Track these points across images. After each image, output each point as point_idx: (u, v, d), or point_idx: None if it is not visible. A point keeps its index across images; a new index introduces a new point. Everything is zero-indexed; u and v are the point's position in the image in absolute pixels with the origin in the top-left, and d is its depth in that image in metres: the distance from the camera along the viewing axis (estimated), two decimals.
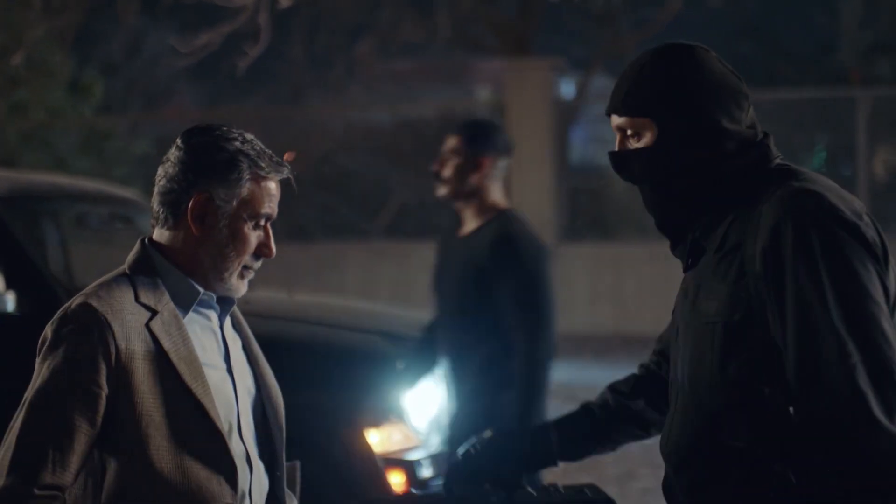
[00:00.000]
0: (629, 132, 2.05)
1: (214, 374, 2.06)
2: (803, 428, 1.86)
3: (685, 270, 2.08)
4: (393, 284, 11.34)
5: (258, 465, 2.10)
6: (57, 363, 1.96)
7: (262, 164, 2.06)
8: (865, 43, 13.96)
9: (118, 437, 1.96)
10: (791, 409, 1.90)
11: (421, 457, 4.00)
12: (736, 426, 1.93)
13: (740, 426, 1.93)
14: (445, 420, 4.21)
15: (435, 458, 4.05)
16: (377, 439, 3.89)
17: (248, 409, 2.12)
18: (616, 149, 2.09)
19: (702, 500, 2.00)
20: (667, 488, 2.10)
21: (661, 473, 6.58)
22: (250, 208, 2.05)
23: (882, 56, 13.07)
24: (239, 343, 2.18)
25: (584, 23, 15.29)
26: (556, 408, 8.91)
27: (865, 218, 1.91)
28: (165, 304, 2.03)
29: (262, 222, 2.08)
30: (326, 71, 15.34)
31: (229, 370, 2.10)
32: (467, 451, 2.30)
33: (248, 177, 2.04)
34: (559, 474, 6.25)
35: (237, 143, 2.05)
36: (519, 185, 11.52)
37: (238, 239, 2.05)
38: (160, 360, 1.99)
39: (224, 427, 2.02)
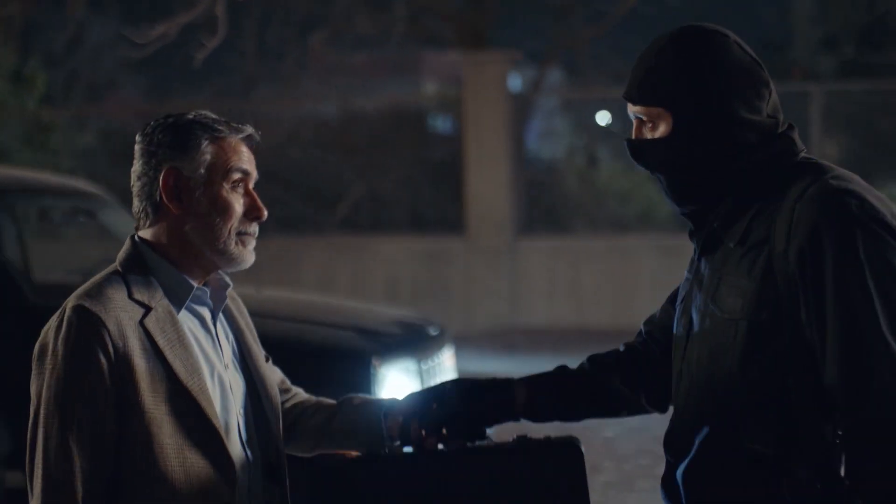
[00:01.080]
0: (645, 120, 2.00)
1: (209, 371, 2.03)
2: (854, 434, 1.82)
3: (698, 257, 2.04)
4: (350, 279, 11.28)
5: (256, 462, 2.08)
6: (60, 373, 1.93)
7: (219, 127, 2.05)
8: (816, 39, 14.20)
9: (124, 437, 1.94)
10: (816, 412, 1.86)
11: None
12: (758, 429, 1.89)
13: (763, 429, 1.89)
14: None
15: None
16: None
17: (242, 407, 2.09)
18: (633, 136, 2.04)
19: (707, 498, 1.97)
20: (667, 481, 2.05)
21: (624, 467, 6.59)
22: (220, 169, 2.04)
23: (832, 52, 13.27)
24: (232, 339, 2.15)
25: (539, 16, 15.32)
26: None
27: None
28: (159, 301, 2.00)
29: (239, 181, 2.06)
30: (278, 63, 15.22)
31: (224, 367, 2.08)
32: (431, 399, 2.17)
33: (206, 141, 2.03)
34: None
35: (188, 116, 2.06)
36: (476, 180, 11.52)
37: (219, 204, 2.03)
38: (156, 357, 1.96)
39: (221, 425, 2.00)
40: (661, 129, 1.98)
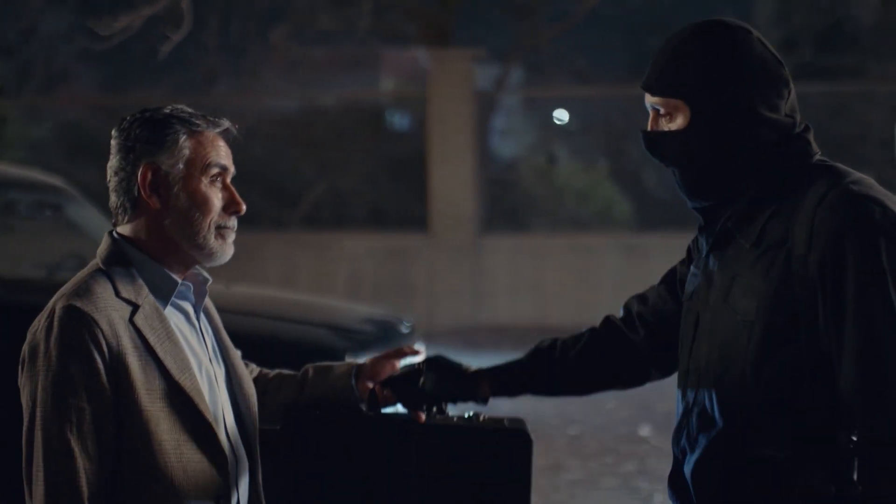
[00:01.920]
0: (662, 111, 1.99)
1: (198, 366, 2.03)
2: (869, 442, 1.82)
3: (706, 253, 2.02)
4: (312, 276, 11.23)
5: (242, 456, 2.08)
6: (55, 374, 1.90)
7: (196, 121, 2.04)
8: (776, 41, 14.36)
9: (122, 436, 1.92)
10: (833, 421, 1.86)
11: None
12: (769, 433, 1.89)
13: (774, 433, 1.88)
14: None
15: None
16: None
17: (228, 402, 2.10)
18: (649, 128, 2.02)
19: (716, 497, 1.96)
20: (674, 478, 2.05)
21: (590, 465, 6.60)
22: (198, 163, 2.03)
23: (791, 54, 13.41)
24: (211, 332, 2.15)
25: (502, 15, 15.32)
26: None
27: None
28: (146, 298, 1.99)
29: (217, 175, 2.05)
30: (239, 58, 15.10)
31: (210, 361, 2.08)
32: (405, 371, 2.23)
33: (184, 135, 2.03)
34: None
35: (165, 111, 2.05)
36: (440, 178, 11.51)
37: (198, 199, 2.02)
38: (148, 355, 1.96)
39: (213, 419, 2.00)
40: (679, 122, 1.97)
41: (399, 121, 14.20)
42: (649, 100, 2.01)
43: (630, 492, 5.90)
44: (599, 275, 11.25)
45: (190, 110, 2.06)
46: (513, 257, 11.44)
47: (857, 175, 1.93)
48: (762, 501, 1.90)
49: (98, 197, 5.49)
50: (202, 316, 2.12)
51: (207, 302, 2.15)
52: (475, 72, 11.73)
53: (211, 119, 2.06)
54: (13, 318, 4.11)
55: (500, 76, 13.52)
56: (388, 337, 4.46)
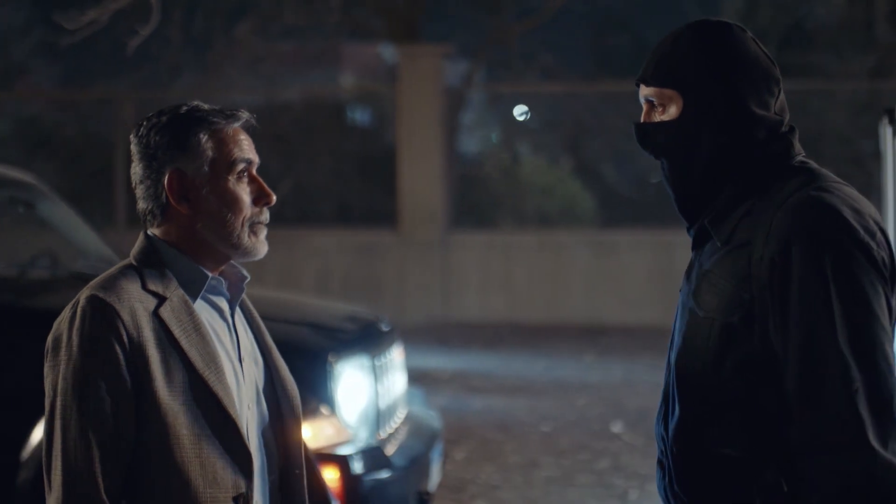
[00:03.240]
0: (656, 103, 2.01)
1: (226, 362, 2.00)
2: (800, 445, 1.85)
3: (692, 251, 2.07)
4: (279, 272, 11.16)
5: (258, 462, 2.04)
6: (76, 364, 1.90)
7: (214, 119, 2.02)
8: None
9: (141, 427, 1.91)
10: (785, 420, 1.88)
11: (352, 451, 3.93)
12: (726, 429, 1.91)
13: (731, 430, 1.91)
14: (373, 414, 4.15)
15: (366, 454, 3.99)
16: (309, 434, 3.79)
17: (254, 401, 2.06)
18: (641, 120, 2.04)
19: (689, 489, 1.98)
20: (661, 467, 2.07)
21: (563, 462, 6.60)
22: (223, 162, 2.01)
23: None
24: (250, 333, 2.12)
25: (469, 11, 15.31)
26: (452, 396, 8.83)
27: (878, 236, 1.88)
28: (174, 291, 1.98)
29: (243, 171, 2.02)
30: (203, 52, 14.96)
31: (240, 360, 2.05)
32: None
33: (205, 136, 2.00)
34: (460, 463, 6.26)
35: (182, 112, 2.02)
36: (409, 174, 11.48)
37: (228, 199, 2.00)
38: (171, 347, 1.94)
39: (238, 415, 1.97)
40: (671, 112, 1.99)
41: (366, 117, 14.15)
42: (643, 92, 2.03)
43: (605, 488, 5.91)
44: (568, 271, 11.28)
45: (206, 107, 2.03)
46: (481, 253, 11.44)
47: (827, 182, 1.94)
48: (721, 496, 1.93)
49: (58, 193, 5.41)
50: (239, 314, 2.10)
51: (248, 303, 2.13)
52: (444, 68, 11.71)
53: (229, 112, 2.04)
54: None
55: (468, 72, 13.51)
56: (369, 336, 4.43)
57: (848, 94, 12.35)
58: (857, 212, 1.89)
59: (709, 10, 13.76)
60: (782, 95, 2.02)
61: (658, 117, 2.01)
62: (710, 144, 1.96)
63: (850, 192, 1.94)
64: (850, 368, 1.80)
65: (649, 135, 2.02)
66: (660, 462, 2.06)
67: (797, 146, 2.01)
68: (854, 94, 12.29)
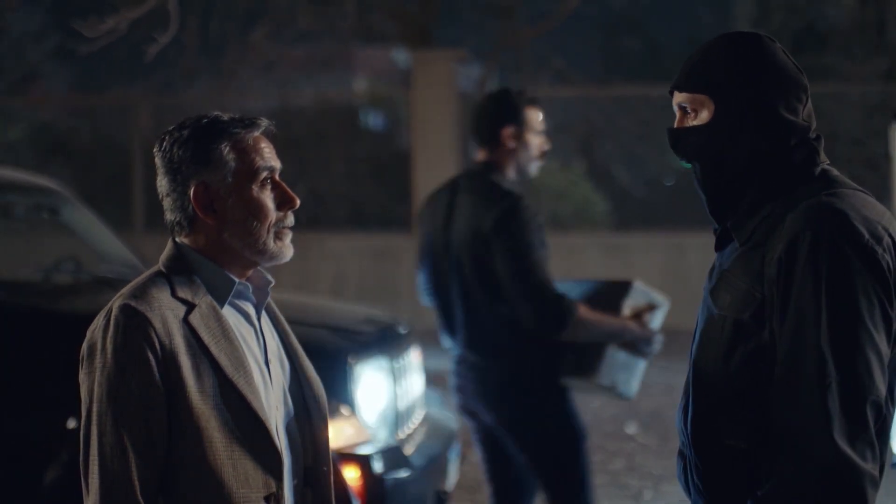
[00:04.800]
0: (688, 108, 2.08)
1: (254, 366, 2.06)
2: (772, 431, 1.93)
3: (715, 251, 2.14)
4: (295, 276, 11.23)
5: (287, 462, 2.10)
6: (111, 371, 1.95)
7: (234, 130, 2.06)
8: None
9: (174, 431, 1.97)
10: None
11: (372, 451, 3.99)
12: (736, 421, 1.99)
13: (739, 424, 1.99)
14: (392, 414, 4.22)
15: (385, 454, 4.05)
16: (330, 434, 3.85)
17: (281, 403, 2.12)
18: (675, 126, 2.11)
19: (704, 479, 2.07)
20: (681, 457, 2.15)
21: None
22: (246, 172, 2.05)
23: None
24: (276, 337, 2.18)
25: (483, 15, 15.36)
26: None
27: (886, 240, 1.95)
28: (202, 298, 2.04)
29: (266, 179, 2.07)
30: (218, 57, 15.05)
31: (266, 363, 2.11)
32: None
33: (227, 148, 2.05)
34: (476, 464, 6.30)
35: (203, 123, 2.06)
36: (423, 178, 11.53)
37: (253, 207, 2.05)
38: (202, 353, 1.99)
39: (267, 417, 2.02)
40: (703, 117, 2.07)
41: (379, 121, 14.20)
42: (677, 99, 2.10)
43: (619, 488, 5.96)
44: (581, 273, 11.31)
45: (226, 117, 2.08)
46: None
47: (843, 189, 2.01)
48: (732, 486, 2.01)
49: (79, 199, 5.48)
50: (266, 319, 2.16)
51: (274, 306, 2.19)
52: (457, 72, 11.77)
53: (248, 121, 2.08)
54: (10, 321, 4.15)
55: (481, 77, 13.56)
56: (387, 338, 4.49)
57: (860, 97, 12.36)
58: (866, 217, 1.95)
59: (721, 15, 13.79)
60: (809, 103, 2.08)
61: (690, 122, 2.08)
62: (741, 148, 2.03)
63: (864, 197, 2.01)
64: (827, 364, 1.88)
65: (682, 139, 2.09)
66: (680, 452, 2.14)
67: (822, 154, 2.08)
68: (866, 97, 12.30)
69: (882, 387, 1.91)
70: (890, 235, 1.97)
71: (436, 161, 11.49)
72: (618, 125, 12.81)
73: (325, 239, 11.79)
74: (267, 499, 2.01)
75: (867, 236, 1.93)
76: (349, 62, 19.05)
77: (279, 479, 2.03)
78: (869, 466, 1.88)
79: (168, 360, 1.96)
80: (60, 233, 5.30)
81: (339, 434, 3.91)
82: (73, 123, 14.10)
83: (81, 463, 1.98)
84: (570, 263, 11.40)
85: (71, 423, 3.76)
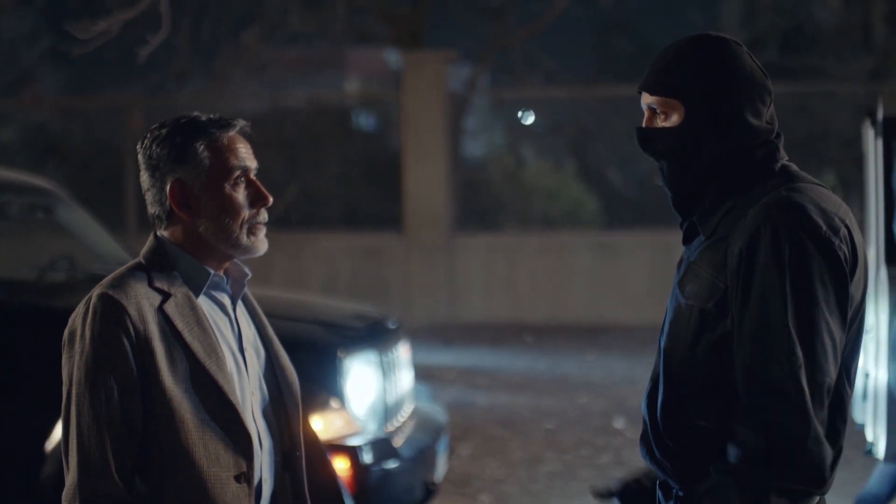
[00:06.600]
0: (658, 111, 2.16)
1: (227, 353, 2.16)
2: (742, 411, 2.02)
3: (683, 244, 2.24)
4: (287, 275, 11.31)
5: (266, 444, 2.20)
6: (88, 356, 2.06)
7: (211, 130, 2.15)
8: (744, 41, 14.50)
9: (149, 414, 2.07)
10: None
11: (361, 443, 4.08)
12: (703, 405, 2.10)
13: (706, 406, 2.10)
14: (380, 406, 4.31)
15: (374, 445, 4.14)
16: (320, 426, 3.95)
17: (257, 391, 2.21)
18: (643, 125, 2.20)
19: (669, 455, 2.16)
20: (644, 442, 2.24)
21: (566, 458, 6.68)
22: (220, 171, 2.15)
23: (757, 55, 13.62)
24: (252, 327, 2.27)
25: (473, 16, 15.43)
26: (458, 394, 8.93)
27: (843, 231, 2.05)
28: (178, 288, 2.14)
29: (240, 177, 2.17)
30: (210, 59, 15.10)
31: (241, 350, 2.20)
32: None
33: (202, 147, 2.14)
34: (466, 458, 6.40)
35: (180, 123, 2.16)
36: (414, 178, 11.62)
37: (226, 204, 2.15)
38: (175, 340, 2.09)
39: (238, 401, 2.12)
40: (673, 119, 2.15)
41: (371, 122, 14.27)
42: (646, 100, 2.18)
43: (607, 482, 6.04)
44: (571, 272, 11.42)
45: (203, 117, 2.17)
46: (486, 256, 11.58)
47: (803, 184, 2.12)
48: (697, 461, 2.11)
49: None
50: (242, 310, 2.25)
51: (251, 297, 2.29)
52: (448, 73, 11.85)
53: (225, 121, 2.18)
54: (6, 318, 4.22)
55: (471, 78, 13.64)
56: (376, 333, 4.58)
57: (847, 97, 12.46)
58: (824, 210, 2.06)
59: (709, 15, 13.87)
60: (772, 105, 2.18)
61: (660, 123, 2.17)
62: (708, 151, 2.13)
63: (822, 191, 2.12)
64: (796, 347, 1.99)
65: (651, 140, 2.18)
66: (642, 438, 2.24)
67: (781, 151, 2.18)
68: (853, 97, 12.40)
69: (834, 371, 2.03)
70: (846, 227, 2.08)
71: (426, 161, 11.57)
72: (608, 125, 12.90)
73: (317, 238, 11.87)
74: (237, 478, 2.10)
75: (825, 228, 2.03)
76: (341, 64, 19.14)
77: (249, 458, 2.12)
78: (827, 445, 1.99)
79: (142, 345, 2.06)
80: (55, 232, 5.37)
81: (328, 426, 4.00)
82: (67, 125, 14.15)
83: (63, 442, 2.09)
84: (560, 262, 11.50)
85: None
